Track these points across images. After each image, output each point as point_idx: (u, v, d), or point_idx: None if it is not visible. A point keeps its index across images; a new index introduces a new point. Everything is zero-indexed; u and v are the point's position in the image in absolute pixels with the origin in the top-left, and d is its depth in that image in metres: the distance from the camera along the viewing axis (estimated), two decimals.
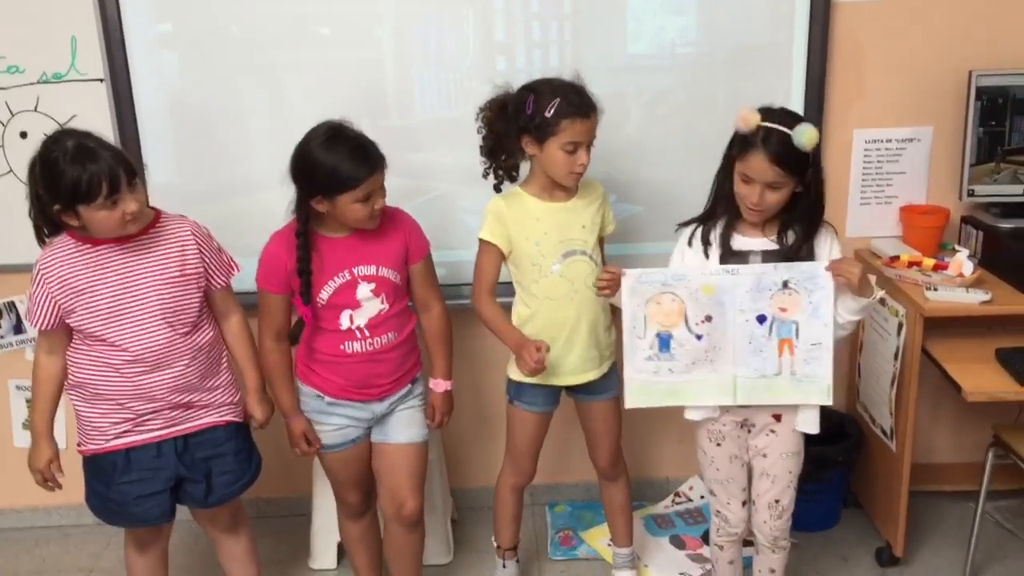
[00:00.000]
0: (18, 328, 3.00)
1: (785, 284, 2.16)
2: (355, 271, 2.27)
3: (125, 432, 2.22)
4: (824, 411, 3.02)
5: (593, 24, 2.77)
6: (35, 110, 2.78)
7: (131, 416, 2.21)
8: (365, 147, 2.21)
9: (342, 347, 2.30)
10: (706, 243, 2.26)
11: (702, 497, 3.15)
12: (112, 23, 2.70)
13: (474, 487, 3.20)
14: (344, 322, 2.28)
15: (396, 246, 2.33)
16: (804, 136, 2.06)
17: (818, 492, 2.93)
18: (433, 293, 2.45)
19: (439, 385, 2.49)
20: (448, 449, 3.13)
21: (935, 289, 2.56)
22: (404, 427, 2.43)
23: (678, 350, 2.22)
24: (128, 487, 2.24)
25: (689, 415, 2.34)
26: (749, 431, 2.35)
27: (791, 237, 2.20)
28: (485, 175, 2.44)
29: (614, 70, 2.80)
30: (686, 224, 2.32)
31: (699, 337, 2.21)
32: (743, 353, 2.21)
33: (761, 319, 2.19)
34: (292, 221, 2.26)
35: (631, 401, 2.28)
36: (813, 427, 2.30)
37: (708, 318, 2.20)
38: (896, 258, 2.74)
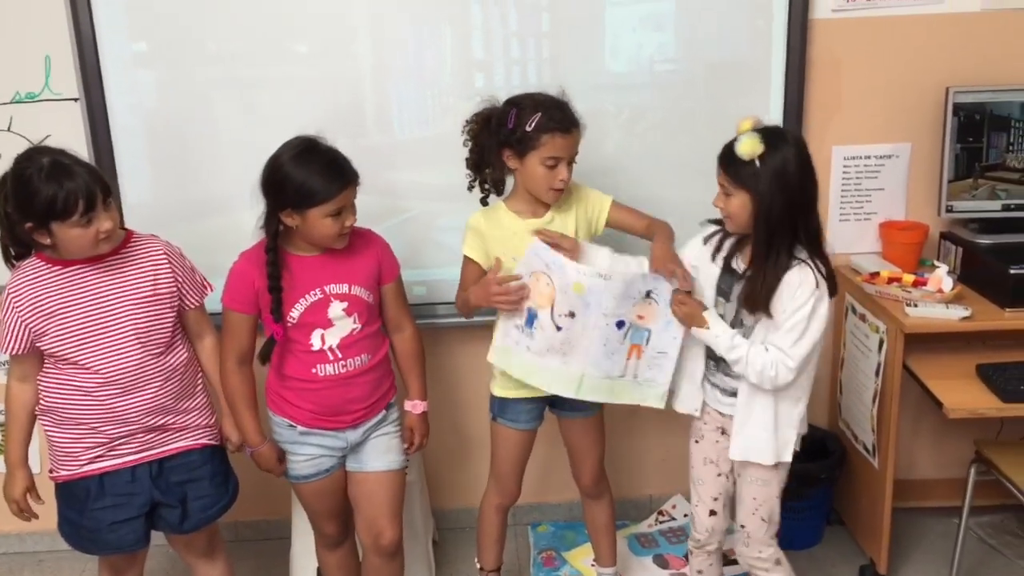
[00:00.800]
0: None
1: (648, 294, 2.25)
2: (326, 289, 2.23)
3: (98, 457, 2.18)
4: (807, 428, 3.05)
5: (572, 41, 2.77)
6: (8, 130, 2.75)
7: (104, 440, 2.17)
8: (338, 161, 2.19)
9: (313, 370, 2.26)
10: (717, 249, 2.28)
11: (685, 515, 3.13)
12: (87, 42, 2.67)
13: (455, 508, 3.17)
14: (315, 342, 2.24)
15: (368, 265, 2.30)
16: (740, 145, 2.08)
17: (801, 510, 2.92)
18: (405, 313, 2.43)
19: (416, 407, 2.46)
20: (429, 469, 3.10)
21: (915, 305, 2.56)
22: (380, 454, 2.38)
23: (538, 332, 2.28)
24: (102, 513, 2.19)
25: (676, 407, 2.38)
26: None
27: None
28: (470, 188, 2.43)
29: (593, 87, 2.79)
30: (713, 222, 2.32)
31: (559, 328, 2.26)
32: (596, 355, 2.27)
33: (620, 324, 2.26)
34: (261, 240, 2.23)
35: (493, 358, 2.36)
36: (760, 456, 2.25)
37: (571, 314, 2.24)
38: (876, 274, 2.74)
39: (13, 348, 2.13)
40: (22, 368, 2.19)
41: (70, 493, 2.22)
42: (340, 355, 2.26)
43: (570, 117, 2.27)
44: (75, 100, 2.73)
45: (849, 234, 2.95)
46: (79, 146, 2.71)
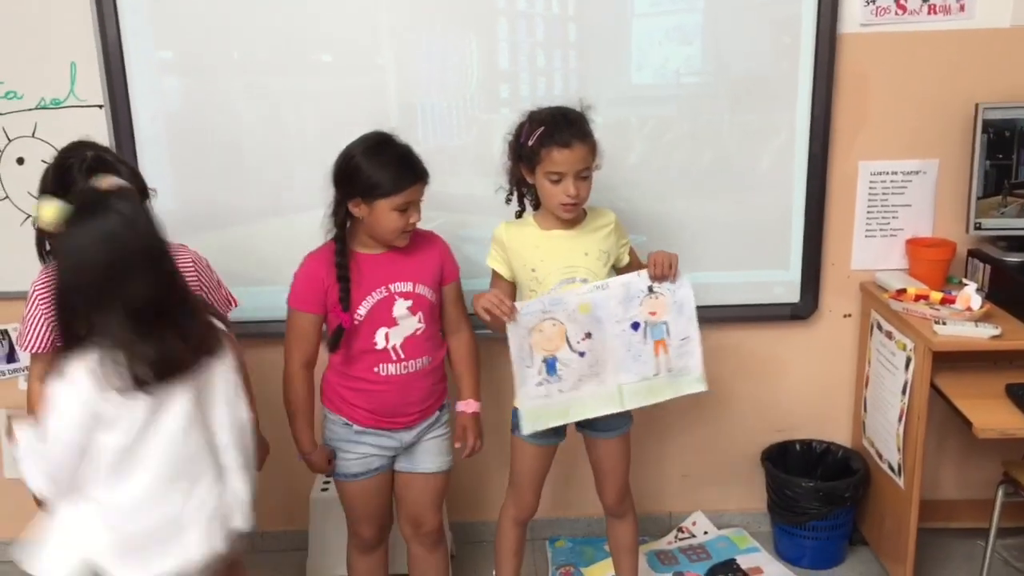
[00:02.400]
0: (11, 357, 2.95)
1: (650, 289, 2.30)
2: (392, 287, 2.27)
3: None
4: (830, 447, 3.02)
5: (598, 53, 2.75)
6: (33, 136, 2.75)
7: None
8: (410, 157, 2.25)
9: (376, 369, 2.28)
10: None
11: (706, 533, 3.10)
12: (112, 49, 2.67)
13: (473, 521, 3.15)
14: (380, 341, 2.27)
15: (432, 264, 2.34)
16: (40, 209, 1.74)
17: (824, 529, 2.88)
18: (463, 315, 2.45)
19: (470, 405, 2.47)
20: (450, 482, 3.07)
21: (944, 323, 2.52)
22: (432, 456, 2.42)
23: (564, 370, 2.30)
24: None
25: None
26: None
27: None
28: (507, 201, 2.44)
29: (618, 99, 2.78)
30: None
31: (582, 354, 2.29)
32: (624, 361, 2.31)
33: (635, 326, 2.30)
34: (327, 242, 2.28)
35: (528, 427, 2.36)
36: None
37: (588, 335, 2.28)
38: (903, 291, 2.70)
39: (35, 346, 2.12)
40: (41, 367, 2.17)
41: None
42: (403, 355, 2.30)
43: (573, 131, 2.24)
44: (100, 107, 2.73)
45: (875, 250, 2.92)
46: None
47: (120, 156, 2.11)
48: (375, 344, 2.27)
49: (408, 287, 2.28)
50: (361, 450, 2.35)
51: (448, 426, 2.46)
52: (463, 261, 2.83)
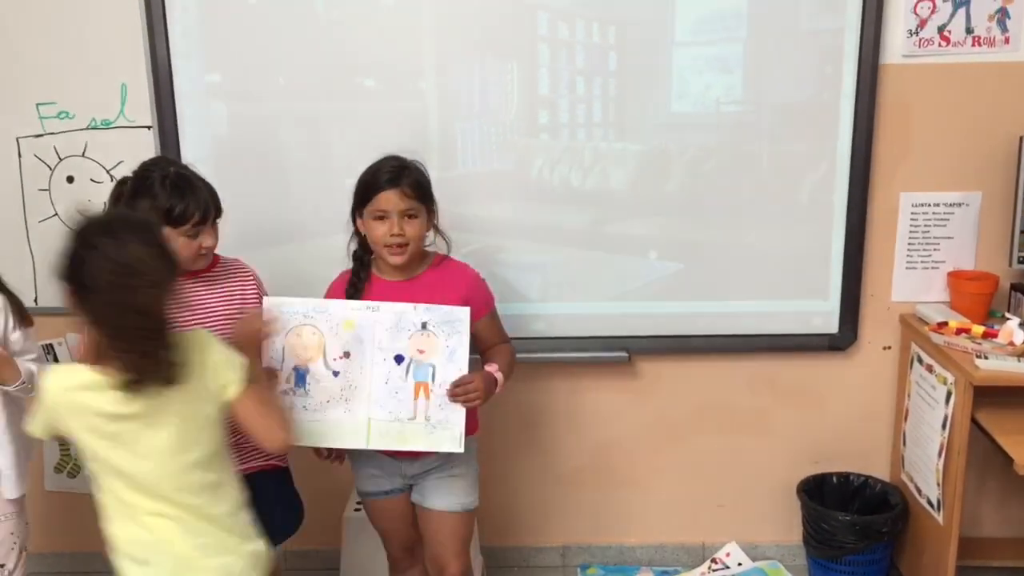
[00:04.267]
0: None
1: (424, 325, 2.15)
2: None
3: None
4: (868, 480, 2.98)
5: (638, 80, 2.77)
6: (83, 155, 2.82)
7: None
8: (401, 166, 2.23)
9: None
10: None
11: (739, 564, 3.06)
12: (162, 72, 2.73)
13: (505, 545, 3.14)
14: None
15: (453, 297, 2.22)
16: None
17: (860, 563, 2.84)
18: (503, 338, 2.41)
19: (492, 367, 2.29)
20: (480, 505, 3.07)
21: (986, 357, 2.49)
22: (443, 495, 2.33)
23: (314, 386, 2.17)
24: None
25: None
26: None
27: None
28: None
29: (657, 127, 2.79)
30: None
31: (336, 373, 2.16)
32: (379, 394, 2.16)
33: (399, 359, 2.16)
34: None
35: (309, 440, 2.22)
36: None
37: (346, 354, 2.16)
38: (944, 324, 2.67)
39: None
40: None
41: None
42: None
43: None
44: (148, 128, 2.79)
45: (916, 282, 2.89)
46: None
47: (199, 174, 2.17)
48: None
49: None
50: (368, 470, 2.33)
51: (468, 466, 2.37)
52: (501, 286, 2.85)
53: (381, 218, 2.20)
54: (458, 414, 2.17)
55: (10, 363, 2.14)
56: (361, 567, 2.78)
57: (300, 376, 2.17)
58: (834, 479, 3.02)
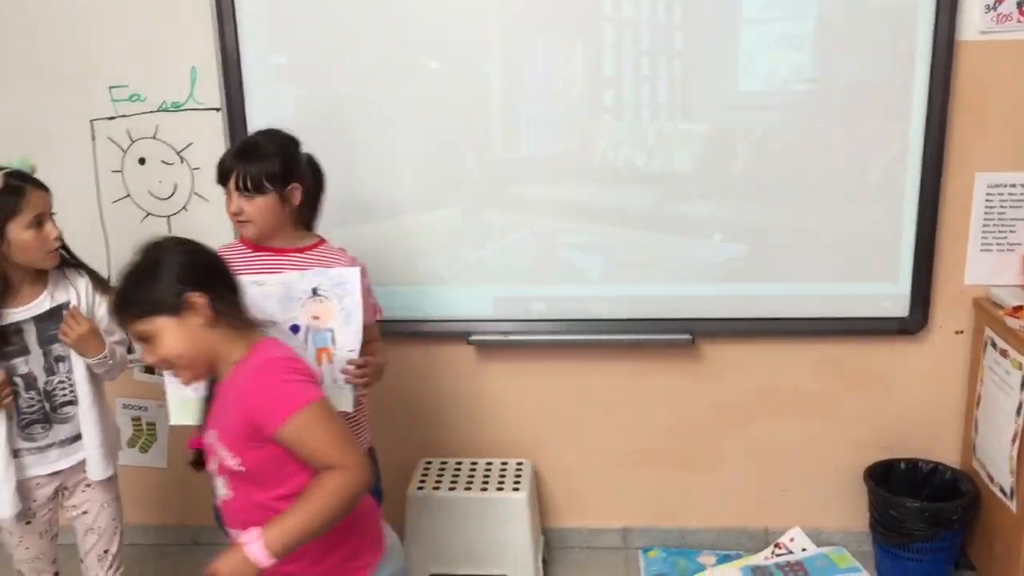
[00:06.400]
0: (128, 349, 3.08)
1: (315, 291, 2.12)
2: None
3: None
4: (937, 467, 2.92)
5: (704, 60, 2.73)
6: (154, 137, 2.87)
7: None
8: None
9: None
10: None
11: (804, 549, 3.03)
12: (230, 55, 2.77)
13: (564, 527, 3.15)
14: None
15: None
16: None
17: (929, 551, 2.78)
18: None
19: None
20: (539, 487, 3.09)
21: None
22: None
23: None
24: None
25: None
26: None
27: None
28: None
29: (723, 107, 2.75)
30: None
31: None
32: None
33: (295, 329, 2.13)
34: None
35: (175, 418, 2.19)
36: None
37: None
38: (1020, 308, 2.60)
39: None
40: None
41: None
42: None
43: None
44: (217, 110, 2.84)
45: (990, 265, 2.81)
46: (218, 155, 2.80)
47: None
48: None
49: None
50: None
51: None
52: (564, 267, 2.85)
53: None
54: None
55: (97, 335, 2.20)
56: (424, 544, 2.82)
57: None
58: (902, 465, 2.96)
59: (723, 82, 2.75)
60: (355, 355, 2.15)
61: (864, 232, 2.81)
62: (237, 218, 2.19)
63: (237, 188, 2.16)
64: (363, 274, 2.30)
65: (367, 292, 2.30)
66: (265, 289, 2.11)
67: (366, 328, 2.23)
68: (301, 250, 2.24)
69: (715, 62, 2.73)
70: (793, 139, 2.77)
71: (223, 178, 2.19)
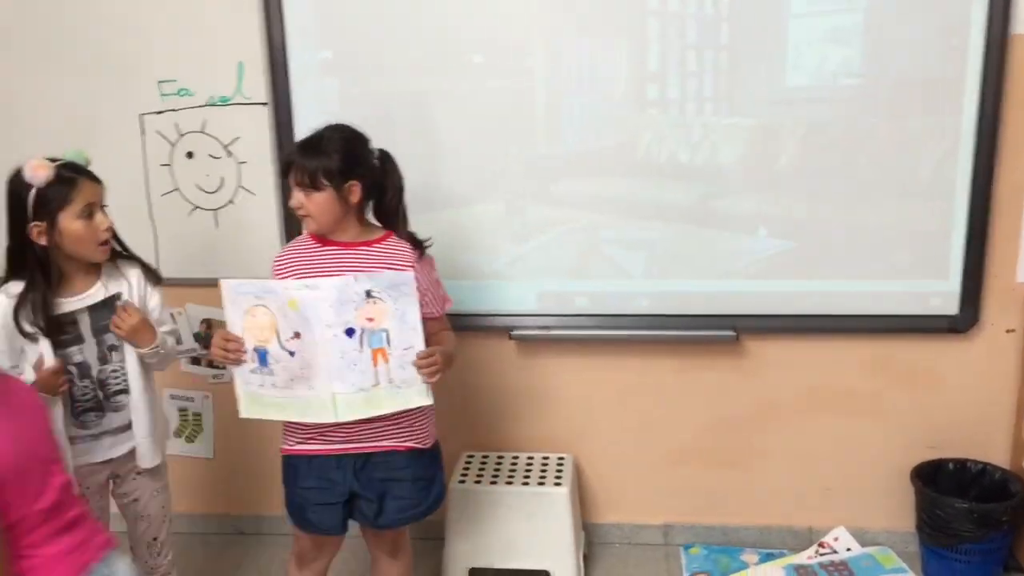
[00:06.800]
0: (177, 340, 3.13)
1: (368, 294, 2.11)
2: None
3: (310, 438, 2.25)
4: (987, 467, 2.87)
5: (750, 54, 2.70)
6: (202, 131, 2.91)
7: (318, 424, 2.22)
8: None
9: None
10: None
11: (848, 549, 3.00)
12: (277, 50, 2.80)
13: (606, 522, 3.14)
14: None
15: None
16: None
17: (977, 553, 2.74)
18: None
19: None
20: (581, 483, 3.08)
21: None
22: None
23: (275, 366, 2.16)
24: (307, 493, 2.27)
25: None
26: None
27: None
28: None
29: (770, 101, 2.73)
30: None
31: (292, 354, 2.14)
32: (339, 369, 2.14)
33: (350, 332, 2.13)
34: None
35: (245, 410, 2.22)
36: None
37: (297, 334, 2.13)
38: None
39: None
40: None
41: (287, 467, 2.31)
42: None
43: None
44: (264, 105, 2.86)
45: None
46: (265, 149, 2.87)
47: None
48: None
49: None
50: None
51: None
52: (607, 263, 2.84)
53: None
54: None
55: (148, 325, 2.24)
56: (465, 538, 2.83)
57: (262, 356, 2.17)
58: (950, 465, 2.92)
59: (770, 76, 2.72)
60: (413, 352, 2.14)
61: (913, 228, 2.77)
62: (298, 212, 2.22)
63: (296, 182, 2.18)
64: (431, 267, 2.31)
65: (436, 284, 2.30)
66: (318, 293, 2.12)
67: (435, 319, 2.25)
68: (369, 243, 2.24)
69: (762, 56, 2.70)
70: (841, 134, 2.74)
71: (285, 171, 2.21)
